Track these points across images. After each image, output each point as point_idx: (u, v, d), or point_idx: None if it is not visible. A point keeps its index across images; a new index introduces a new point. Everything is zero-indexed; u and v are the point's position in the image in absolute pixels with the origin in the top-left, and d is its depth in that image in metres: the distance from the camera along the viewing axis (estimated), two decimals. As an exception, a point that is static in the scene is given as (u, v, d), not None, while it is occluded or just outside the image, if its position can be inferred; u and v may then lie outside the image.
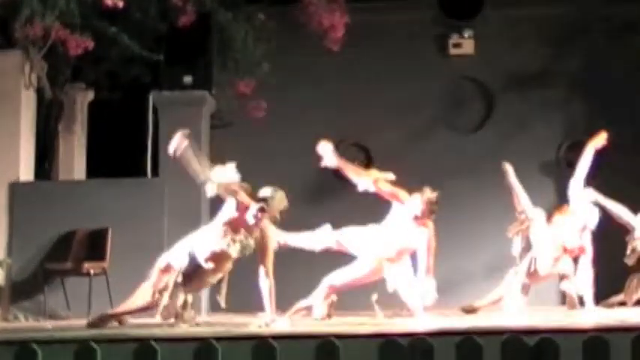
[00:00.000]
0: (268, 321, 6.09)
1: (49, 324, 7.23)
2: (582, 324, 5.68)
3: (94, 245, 8.66)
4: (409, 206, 6.95)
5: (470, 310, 7.87)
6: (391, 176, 6.90)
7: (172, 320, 6.30)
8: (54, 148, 10.06)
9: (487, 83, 10.47)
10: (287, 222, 9.60)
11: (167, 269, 6.36)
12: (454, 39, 10.38)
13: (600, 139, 8.21)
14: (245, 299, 7.97)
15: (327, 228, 7.01)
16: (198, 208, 9.01)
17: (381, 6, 10.12)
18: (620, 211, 8.24)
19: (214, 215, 7.14)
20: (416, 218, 6.93)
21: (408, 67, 10.26)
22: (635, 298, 8.26)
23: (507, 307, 7.78)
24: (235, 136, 10.09)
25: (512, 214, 9.04)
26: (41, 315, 8.41)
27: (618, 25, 10.09)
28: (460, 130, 10.41)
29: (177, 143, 6.27)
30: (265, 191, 6.35)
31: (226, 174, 6.32)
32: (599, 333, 3.56)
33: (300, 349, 4.06)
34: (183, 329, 6.09)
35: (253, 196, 6.32)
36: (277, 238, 6.61)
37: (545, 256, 7.91)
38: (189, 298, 6.38)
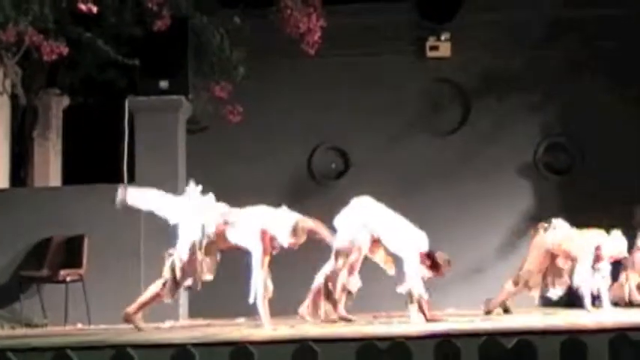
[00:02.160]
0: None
1: (25, 332, 7.15)
2: (559, 325, 5.69)
3: (70, 252, 8.60)
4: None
5: None
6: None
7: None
8: (29, 154, 9.99)
9: (464, 86, 10.49)
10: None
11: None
12: (431, 42, 10.40)
13: None
14: (223, 305, 7.96)
15: None
16: (175, 214, 8.96)
17: (358, 9, 10.13)
18: None
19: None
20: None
21: (385, 69, 10.26)
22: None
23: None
24: (212, 140, 10.07)
25: (489, 216, 9.09)
26: (17, 323, 8.34)
27: (593, 29, 10.15)
28: (437, 133, 10.43)
29: None
30: None
31: None
32: (576, 334, 3.56)
33: (278, 354, 4.04)
34: (160, 335, 6.05)
35: None
36: None
37: None
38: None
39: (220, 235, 6.45)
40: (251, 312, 7.12)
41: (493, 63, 10.33)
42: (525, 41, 10.33)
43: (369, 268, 9.46)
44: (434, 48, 10.39)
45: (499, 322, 6.64)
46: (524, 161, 10.34)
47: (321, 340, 4.24)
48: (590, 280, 7.93)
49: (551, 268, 8.17)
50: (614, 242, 7.99)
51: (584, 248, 7.99)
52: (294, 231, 6.14)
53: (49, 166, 10.40)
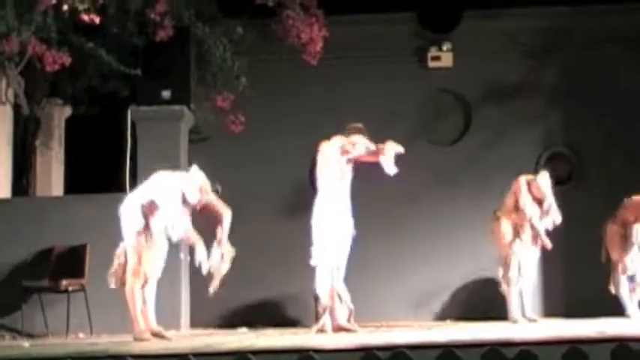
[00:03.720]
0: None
1: (26, 342, 7.15)
2: (561, 335, 5.68)
3: (73, 262, 8.59)
4: None
5: None
6: None
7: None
8: (31, 164, 10.01)
9: (466, 96, 10.50)
10: (265, 232, 9.65)
11: None
12: (433, 52, 10.40)
13: None
14: (225, 315, 7.96)
15: None
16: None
17: (360, 19, 10.14)
18: None
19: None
20: None
21: (387, 80, 10.27)
22: None
23: None
24: (214, 150, 10.06)
25: (489, 225, 9.07)
26: (18, 333, 8.33)
27: (595, 36, 10.17)
28: (439, 143, 10.43)
29: None
30: None
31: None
32: (578, 344, 3.56)
33: (279, 364, 4.04)
34: (161, 345, 6.05)
35: None
36: None
37: None
38: None
39: None
40: (253, 322, 7.15)
41: (495, 73, 10.34)
42: (527, 50, 10.35)
43: (370, 277, 9.50)
44: (435, 58, 10.40)
45: (501, 332, 6.64)
46: (525, 171, 10.32)
47: (322, 350, 4.23)
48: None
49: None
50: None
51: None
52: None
53: (52, 176, 10.42)
